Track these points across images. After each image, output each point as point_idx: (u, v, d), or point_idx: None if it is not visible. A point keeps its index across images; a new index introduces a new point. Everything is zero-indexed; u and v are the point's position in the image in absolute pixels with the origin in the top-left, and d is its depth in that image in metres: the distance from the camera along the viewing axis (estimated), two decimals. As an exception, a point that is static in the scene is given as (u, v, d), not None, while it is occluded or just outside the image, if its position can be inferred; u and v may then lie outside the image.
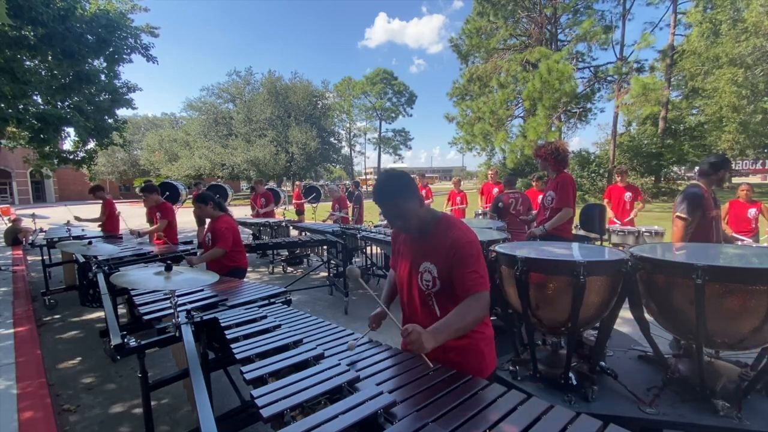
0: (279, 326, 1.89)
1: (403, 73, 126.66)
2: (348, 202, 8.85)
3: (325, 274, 5.89)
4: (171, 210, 5.00)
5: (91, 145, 9.51)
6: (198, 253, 4.34)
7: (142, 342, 1.90)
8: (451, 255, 1.44)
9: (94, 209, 7.46)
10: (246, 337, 1.76)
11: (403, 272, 1.65)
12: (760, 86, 15.52)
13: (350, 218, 8.36)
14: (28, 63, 7.49)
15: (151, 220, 5.05)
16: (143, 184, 5.41)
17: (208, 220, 3.81)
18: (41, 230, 6.80)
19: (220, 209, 3.67)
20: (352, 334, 1.81)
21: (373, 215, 12.39)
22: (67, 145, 9.83)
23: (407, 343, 1.34)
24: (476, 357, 1.53)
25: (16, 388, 3.01)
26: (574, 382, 2.00)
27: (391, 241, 1.80)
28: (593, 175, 19.94)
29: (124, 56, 8.47)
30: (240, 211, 11.50)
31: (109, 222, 6.31)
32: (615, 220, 5.95)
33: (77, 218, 6.83)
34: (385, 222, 7.61)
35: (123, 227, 6.32)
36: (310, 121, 33.45)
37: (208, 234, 3.63)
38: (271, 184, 28.73)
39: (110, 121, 9.19)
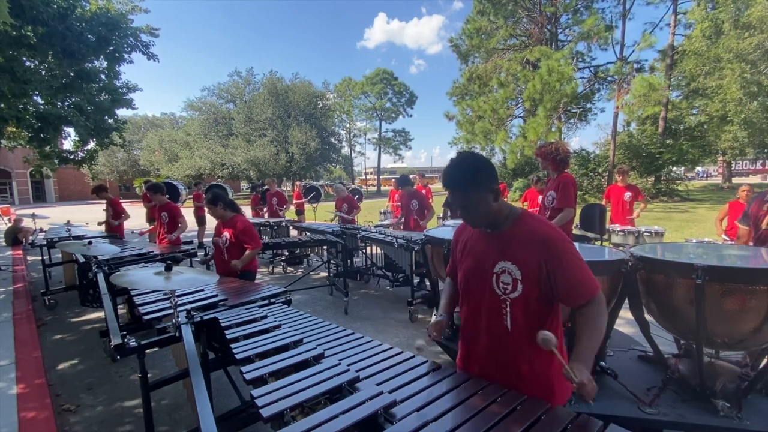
0: (279, 326, 1.89)
1: (403, 73, 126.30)
2: (357, 203, 8.81)
3: (325, 274, 5.88)
4: (179, 210, 4.94)
5: (91, 145, 9.50)
6: (200, 255, 4.34)
7: (142, 342, 1.90)
8: (544, 254, 1.23)
9: (94, 209, 7.45)
10: (246, 337, 1.76)
11: (471, 274, 1.40)
12: (765, 83, 15.47)
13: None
14: (28, 62, 7.49)
15: (152, 220, 5.01)
16: (149, 184, 5.28)
17: (209, 218, 3.69)
18: (41, 230, 6.79)
19: (233, 209, 3.48)
20: (353, 333, 1.81)
21: (373, 215, 12.40)
22: (67, 144, 9.84)
23: (582, 395, 1.09)
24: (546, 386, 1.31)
25: (16, 388, 3.01)
26: (574, 382, 2.00)
27: (452, 241, 1.57)
28: (593, 174, 19.92)
29: (125, 55, 8.47)
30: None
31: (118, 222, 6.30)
32: (615, 220, 5.94)
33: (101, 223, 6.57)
34: (386, 222, 7.62)
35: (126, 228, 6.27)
36: (311, 122, 33.42)
37: (224, 234, 3.37)
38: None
39: (110, 121, 9.18)
